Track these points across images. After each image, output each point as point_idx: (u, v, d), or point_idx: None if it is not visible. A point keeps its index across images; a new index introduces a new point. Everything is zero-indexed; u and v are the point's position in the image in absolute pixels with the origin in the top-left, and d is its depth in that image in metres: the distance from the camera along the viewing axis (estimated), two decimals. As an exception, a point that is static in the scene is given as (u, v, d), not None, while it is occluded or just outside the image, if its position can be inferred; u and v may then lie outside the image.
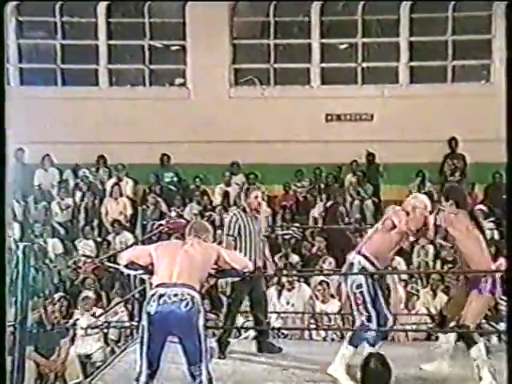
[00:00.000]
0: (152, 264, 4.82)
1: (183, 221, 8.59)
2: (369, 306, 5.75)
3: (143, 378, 4.68)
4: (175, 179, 12.61)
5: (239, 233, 6.52)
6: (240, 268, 4.96)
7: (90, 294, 9.49)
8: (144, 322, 4.67)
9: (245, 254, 6.36)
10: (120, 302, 9.08)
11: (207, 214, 11.85)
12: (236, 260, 4.96)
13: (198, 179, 12.48)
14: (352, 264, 5.89)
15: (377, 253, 5.91)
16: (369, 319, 5.74)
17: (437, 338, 5.89)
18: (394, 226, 5.85)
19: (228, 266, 4.90)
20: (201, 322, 4.65)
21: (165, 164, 12.82)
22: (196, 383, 4.66)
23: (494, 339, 8.65)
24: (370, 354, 4.06)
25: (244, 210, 6.61)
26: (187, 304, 4.60)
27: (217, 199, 12.53)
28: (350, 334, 5.83)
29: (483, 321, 9.18)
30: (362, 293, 5.74)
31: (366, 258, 5.87)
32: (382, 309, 5.84)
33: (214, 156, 12.19)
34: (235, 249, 6.42)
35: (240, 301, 6.70)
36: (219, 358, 6.32)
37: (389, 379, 3.77)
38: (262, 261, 6.78)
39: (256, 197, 6.62)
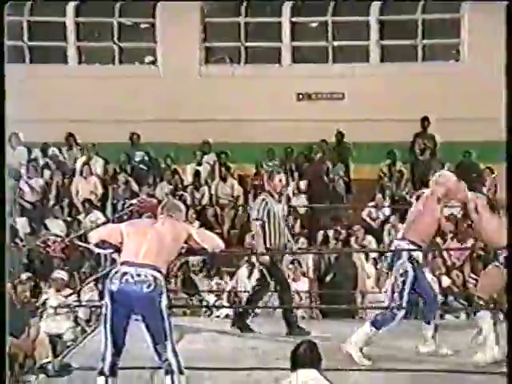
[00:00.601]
0: (122, 242, 4.79)
1: (154, 200, 8.54)
2: (405, 295, 5.78)
3: (108, 357, 4.66)
4: (146, 158, 12.53)
5: (268, 217, 6.60)
6: (211, 247, 4.94)
7: (60, 273, 9.43)
8: (107, 300, 4.67)
9: (274, 238, 6.56)
10: (90, 282, 9.05)
11: (179, 193, 11.82)
12: (207, 239, 4.93)
13: (168, 158, 12.42)
14: (398, 251, 5.84)
15: (423, 236, 5.90)
16: (398, 308, 5.75)
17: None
18: (446, 194, 5.82)
19: (199, 246, 4.88)
20: (163, 302, 4.65)
21: (135, 143, 12.74)
22: (162, 361, 4.66)
23: (463, 316, 8.77)
24: (302, 340, 4.17)
25: (271, 195, 6.70)
26: (149, 285, 4.60)
27: (188, 178, 12.49)
28: (375, 315, 5.83)
29: (451, 298, 9.32)
30: (404, 282, 5.75)
31: (413, 243, 5.86)
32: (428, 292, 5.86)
33: (184, 135, 12.12)
34: (263, 233, 6.58)
35: (268, 286, 6.75)
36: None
37: (318, 365, 3.88)
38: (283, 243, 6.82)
39: (280, 180, 6.69)
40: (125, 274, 4.62)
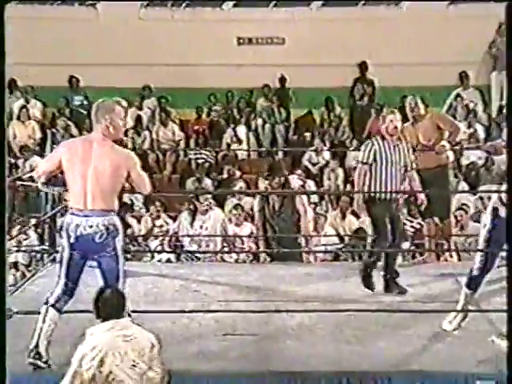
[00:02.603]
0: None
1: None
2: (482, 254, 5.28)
3: (58, 290, 4.59)
4: (85, 102, 12.29)
5: (374, 159, 6.25)
6: (143, 190, 4.75)
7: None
8: (64, 244, 4.60)
9: (380, 183, 6.22)
10: (30, 226, 8.94)
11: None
12: (140, 182, 4.70)
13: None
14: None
15: None
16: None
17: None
18: None
19: (133, 185, 4.68)
20: (118, 244, 4.59)
21: (74, 87, 12.49)
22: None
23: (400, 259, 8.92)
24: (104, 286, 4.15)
25: (383, 138, 6.35)
26: (101, 235, 4.53)
27: (129, 123, 12.33)
28: (468, 278, 5.35)
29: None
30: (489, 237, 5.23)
31: None
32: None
33: (124, 79, 11.91)
34: (370, 177, 6.26)
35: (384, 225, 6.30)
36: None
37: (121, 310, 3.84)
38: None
39: (391, 121, 6.33)
40: (78, 226, 4.53)
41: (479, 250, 5.28)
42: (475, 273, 5.23)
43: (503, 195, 5.15)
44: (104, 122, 4.62)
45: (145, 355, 3.69)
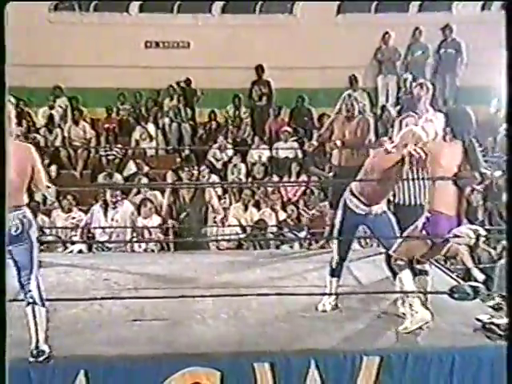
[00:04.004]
0: None
1: None
2: None
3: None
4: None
5: None
6: (38, 186, 4.61)
7: None
8: None
9: None
10: None
11: (31, 135, 11.39)
12: (40, 178, 4.56)
13: (21, 102, 11.89)
14: None
15: None
16: None
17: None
18: None
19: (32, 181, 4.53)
20: (33, 235, 4.48)
21: (-14, 87, 12.09)
22: (25, 291, 4.52)
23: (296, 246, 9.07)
24: None
25: None
26: (17, 229, 4.42)
27: (40, 121, 12.07)
28: (330, 267, 5.46)
29: (286, 230, 9.62)
30: (340, 228, 5.42)
31: None
32: None
33: (36, 79, 11.62)
34: None
35: None
36: None
37: None
38: None
39: None
40: None
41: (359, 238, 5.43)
42: (335, 262, 5.41)
43: (353, 186, 5.31)
44: None
45: None
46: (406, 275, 4.88)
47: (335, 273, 5.44)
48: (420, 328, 4.81)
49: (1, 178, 2.97)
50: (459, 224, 4.82)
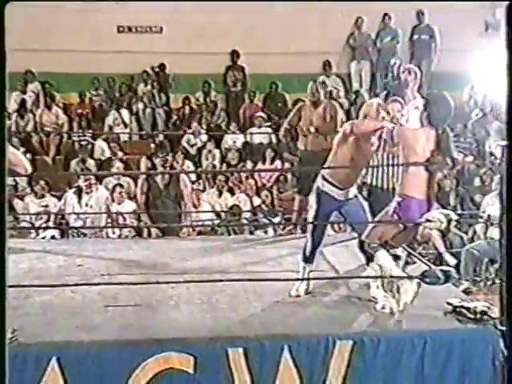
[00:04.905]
0: None
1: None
2: None
3: None
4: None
5: None
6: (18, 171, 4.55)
7: None
8: None
9: None
10: None
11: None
12: (18, 162, 4.53)
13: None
14: None
15: None
16: None
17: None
18: None
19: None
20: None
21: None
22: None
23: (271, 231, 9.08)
24: None
25: None
26: None
27: (13, 106, 11.92)
28: (303, 253, 5.48)
29: (260, 215, 9.62)
30: (315, 215, 5.39)
31: None
32: None
33: (7, 64, 11.44)
34: None
35: None
36: None
37: None
38: None
39: None
40: None
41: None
42: (308, 248, 5.42)
43: (325, 172, 5.30)
44: None
45: None
46: (382, 254, 4.90)
47: (309, 259, 5.45)
48: (391, 312, 4.84)
49: (1, 178, 2.94)
50: (430, 208, 4.85)
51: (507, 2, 3.24)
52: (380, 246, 4.95)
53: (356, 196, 5.42)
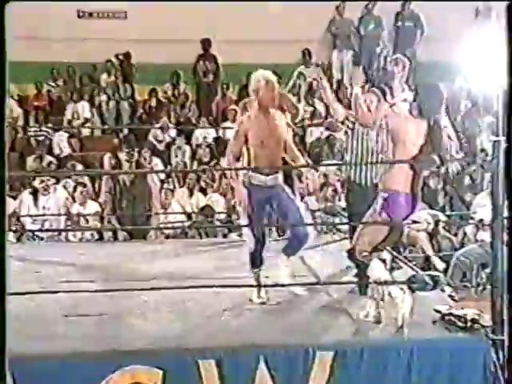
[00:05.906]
0: None
1: None
2: None
3: None
4: None
5: None
6: None
7: None
8: None
9: None
10: None
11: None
12: None
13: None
14: None
15: None
16: None
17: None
18: None
19: None
20: None
21: None
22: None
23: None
24: None
25: None
26: None
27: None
28: (250, 258, 5.58)
29: (239, 208, 9.61)
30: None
31: None
32: None
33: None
34: None
35: None
36: None
37: None
38: None
39: None
40: None
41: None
42: (253, 251, 5.47)
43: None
44: None
45: None
46: (376, 265, 4.90)
47: (256, 261, 5.45)
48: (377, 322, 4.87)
49: (1, 178, 2.93)
50: (415, 202, 4.86)
51: (507, 2, 3.28)
52: (370, 253, 4.94)
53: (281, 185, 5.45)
